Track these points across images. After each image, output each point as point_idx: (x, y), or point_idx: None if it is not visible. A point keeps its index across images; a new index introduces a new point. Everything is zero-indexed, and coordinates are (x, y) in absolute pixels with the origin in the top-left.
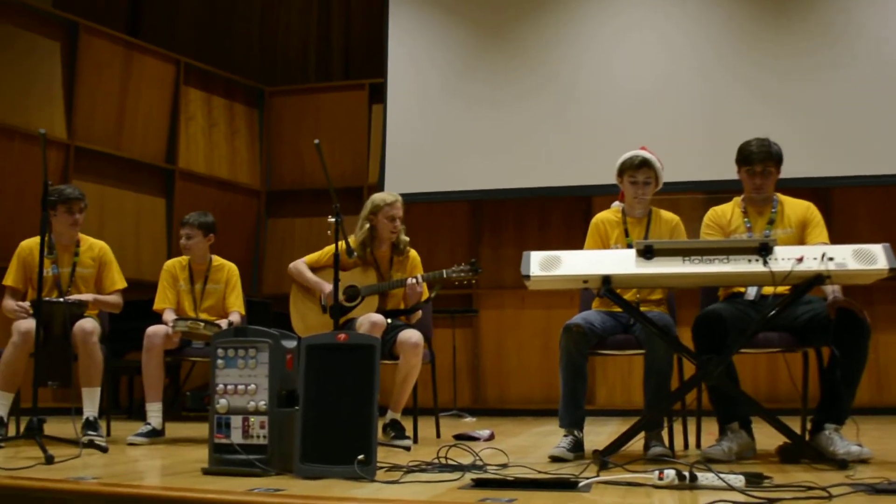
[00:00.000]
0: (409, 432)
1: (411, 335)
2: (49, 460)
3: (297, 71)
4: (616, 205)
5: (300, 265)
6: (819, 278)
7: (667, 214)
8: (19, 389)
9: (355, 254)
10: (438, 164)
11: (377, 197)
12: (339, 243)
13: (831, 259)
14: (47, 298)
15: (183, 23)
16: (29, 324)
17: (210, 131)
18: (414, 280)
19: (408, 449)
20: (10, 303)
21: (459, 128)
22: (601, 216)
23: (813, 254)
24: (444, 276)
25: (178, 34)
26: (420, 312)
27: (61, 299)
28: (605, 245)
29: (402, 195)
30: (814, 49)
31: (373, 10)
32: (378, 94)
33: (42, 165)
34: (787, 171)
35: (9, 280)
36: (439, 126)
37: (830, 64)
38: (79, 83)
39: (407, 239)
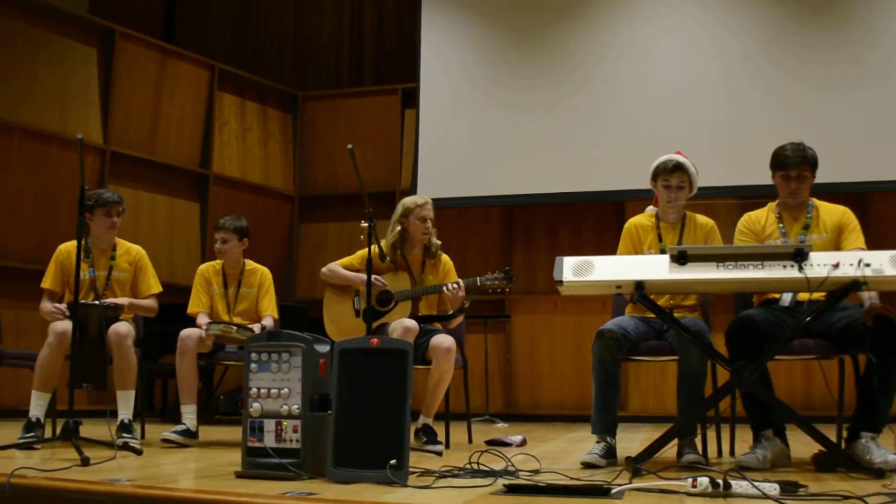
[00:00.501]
0: (441, 437)
1: (443, 340)
2: (84, 462)
3: (329, 76)
4: (650, 209)
5: (333, 266)
6: (855, 284)
7: (702, 219)
8: (55, 391)
9: (388, 258)
10: (471, 168)
11: (408, 200)
12: (372, 247)
13: (868, 265)
14: (83, 301)
15: (217, 29)
16: (65, 325)
17: (244, 136)
18: (455, 285)
19: (440, 454)
20: (47, 305)
21: (492, 132)
22: (634, 221)
23: (849, 259)
24: (479, 283)
25: (213, 40)
26: (462, 317)
27: (97, 302)
28: (637, 250)
29: (435, 200)
30: (849, 54)
31: (405, 16)
32: (410, 99)
33: (79, 170)
34: (823, 175)
35: (46, 283)
36: (472, 131)
37: (868, 68)
38: (114, 89)
39: (438, 242)
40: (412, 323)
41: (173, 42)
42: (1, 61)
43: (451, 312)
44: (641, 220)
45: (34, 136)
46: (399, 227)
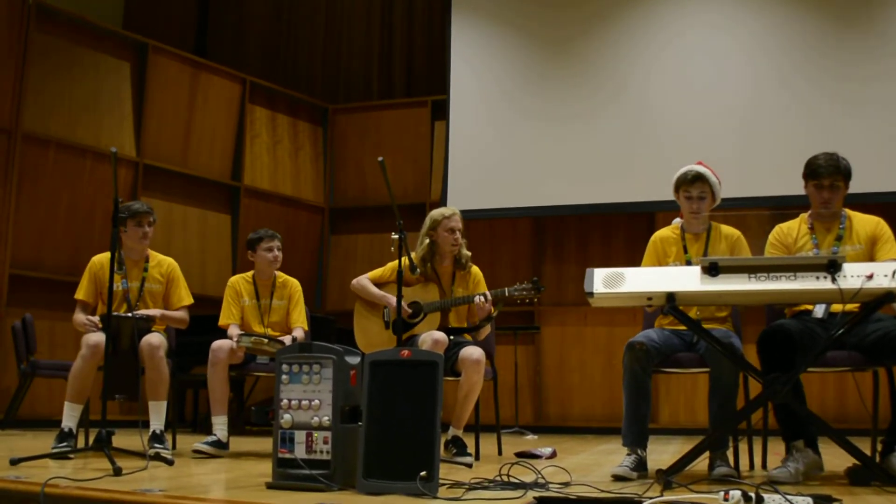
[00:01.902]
0: (471, 449)
1: (472, 352)
2: (117, 472)
3: (360, 89)
4: (677, 221)
5: (363, 281)
6: (890, 296)
7: (727, 229)
8: (88, 401)
9: (418, 270)
10: (501, 180)
11: (435, 212)
12: (402, 259)
13: None
14: (116, 313)
15: (249, 43)
16: (98, 337)
17: (275, 148)
18: (482, 298)
19: (469, 466)
20: (80, 317)
21: (521, 144)
22: (659, 234)
23: (883, 270)
24: (507, 294)
25: (244, 54)
26: (489, 328)
27: (129, 314)
28: (661, 263)
29: (465, 211)
30: (884, 65)
31: (435, 28)
32: (440, 111)
33: (112, 183)
34: (857, 185)
35: (80, 294)
36: (501, 142)
37: None
38: (147, 102)
39: (469, 253)
40: (441, 335)
41: (205, 56)
42: (36, 75)
43: (477, 323)
44: (666, 233)
45: (68, 150)
46: (428, 240)
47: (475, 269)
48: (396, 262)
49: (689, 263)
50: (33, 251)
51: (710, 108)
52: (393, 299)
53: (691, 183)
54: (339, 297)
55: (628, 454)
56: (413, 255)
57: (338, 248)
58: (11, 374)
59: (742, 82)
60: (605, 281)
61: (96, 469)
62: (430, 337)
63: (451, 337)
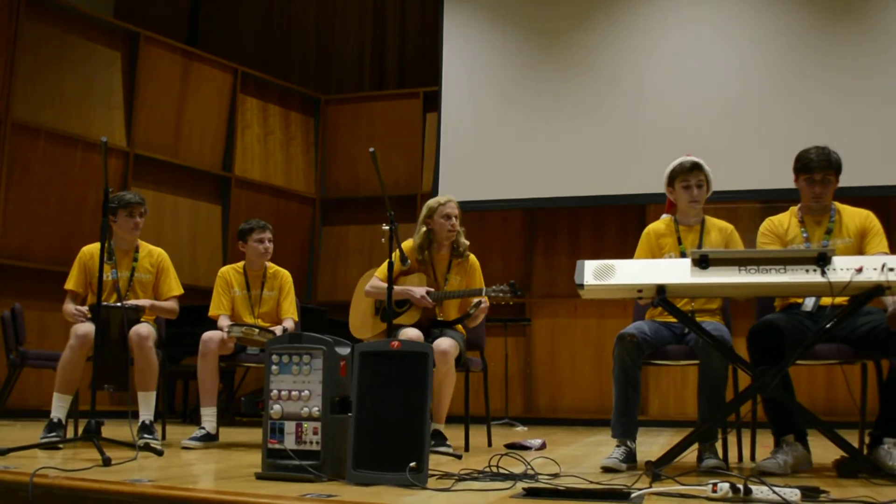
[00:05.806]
0: (461, 440)
1: (441, 343)
2: (106, 462)
3: (352, 80)
4: (666, 216)
5: (376, 283)
6: (879, 289)
7: (720, 223)
8: (77, 392)
9: (408, 261)
10: (492, 172)
11: (432, 200)
12: (394, 252)
13: (891, 269)
14: (105, 303)
15: (240, 33)
16: (87, 327)
17: (266, 139)
18: (479, 302)
19: (459, 457)
20: (69, 306)
21: (513, 136)
22: (652, 227)
23: (872, 264)
24: (483, 294)
25: (236, 44)
26: (481, 316)
27: (119, 304)
28: (655, 256)
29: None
30: (874, 59)
31: (427, 20)
32: (432, 103)
33: (103, 173)
34: (846, 179)
35: (70, 284)
36: (493, 134)
37: (891, 72)
38: (138, 92)
39: (466, 242)
40: (415, 332)
41: (197, 46)
42: (27, 64)
43: (452, 319)
44: (659, 226)
45: (59, 139)
46: (425, 228)
47: (472, 258)
48: (390, 257)
49: (684, 255)
50: (23, 241)
51: (702, 102)
52: (415, 290)
53: (689, 171)
54: (330, 288)
55: (618, 446)
56: (404, 244)
57: (329, 239)
58: (0, 364)
59: (733, 76)
60: (595, 273)
61: (85, 459)
62: (405, 335)
63: (434, 328)
